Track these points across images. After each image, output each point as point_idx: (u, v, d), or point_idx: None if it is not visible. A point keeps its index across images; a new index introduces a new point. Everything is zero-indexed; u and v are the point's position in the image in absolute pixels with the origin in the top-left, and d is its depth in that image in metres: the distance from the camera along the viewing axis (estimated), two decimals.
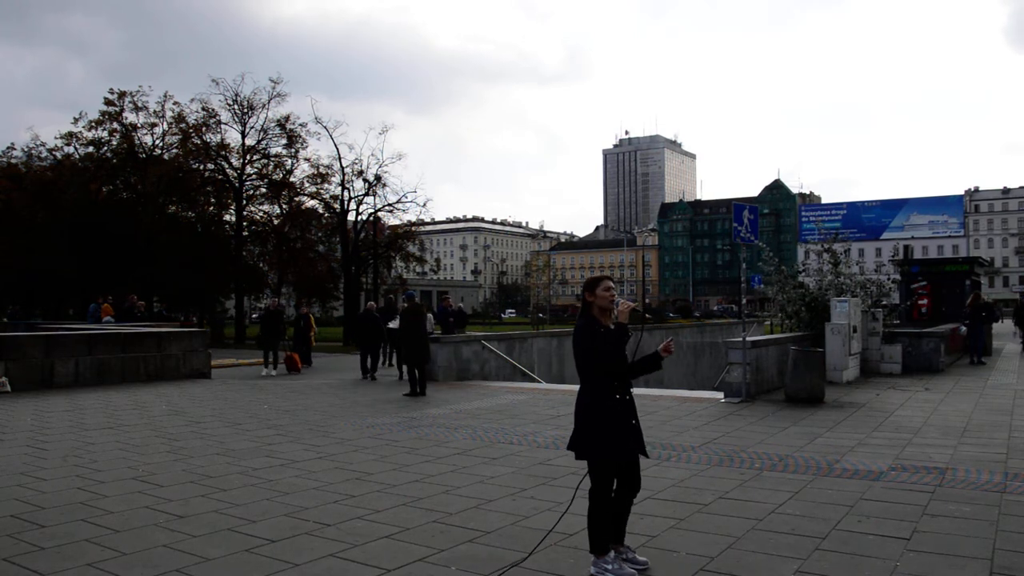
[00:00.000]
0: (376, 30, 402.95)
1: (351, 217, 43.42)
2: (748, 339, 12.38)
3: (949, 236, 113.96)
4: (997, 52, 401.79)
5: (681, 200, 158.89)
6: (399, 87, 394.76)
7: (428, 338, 14.36)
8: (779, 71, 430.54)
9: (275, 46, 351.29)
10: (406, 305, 14.41)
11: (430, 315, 21.77)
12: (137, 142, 40.78)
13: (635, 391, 4.67)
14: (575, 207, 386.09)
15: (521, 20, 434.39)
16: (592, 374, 4.43)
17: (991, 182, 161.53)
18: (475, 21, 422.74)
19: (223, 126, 40.37)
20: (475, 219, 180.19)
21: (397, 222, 44.80)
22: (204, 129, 39.80)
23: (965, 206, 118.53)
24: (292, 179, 42.16)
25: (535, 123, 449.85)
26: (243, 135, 40.53)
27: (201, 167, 40.74)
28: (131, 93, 39.84)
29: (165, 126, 40.85)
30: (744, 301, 23.73)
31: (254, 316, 48.14)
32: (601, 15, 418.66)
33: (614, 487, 4.47)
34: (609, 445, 4.35)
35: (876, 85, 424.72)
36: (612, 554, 4.44)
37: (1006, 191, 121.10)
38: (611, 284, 4.53)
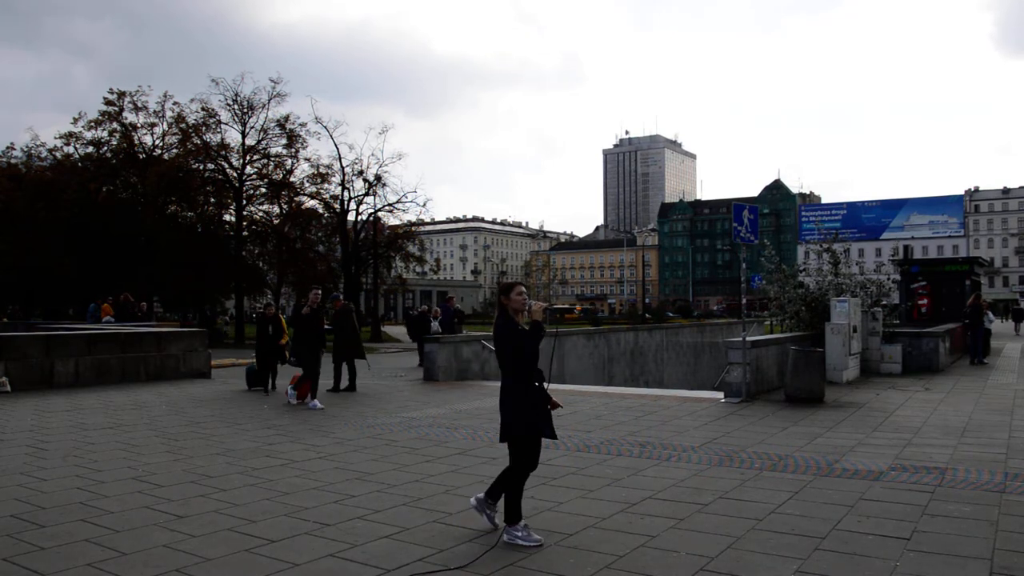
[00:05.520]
0: (374, 35, 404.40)
1: (351, 217, 43.47)
2: (748, 339, 12.38)
3: (949, 236, 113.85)
4: (987, 57, 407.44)
5: (681, 200, 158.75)
6: (397, 91, 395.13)
7: (359, 336, 14.71)
8: (779, 72, 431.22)
9: (273, 53, 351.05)
10: (333, 305, 14.66)
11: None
12: (137, 142, 40.75)
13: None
14: (575, 207, 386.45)
15: (520, 24, 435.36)
16: (514, 367, 5.05)
17: (987, 183, 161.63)
18: (474, 26, 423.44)
19: (223, 126, 40.36)
20: (475, 219, 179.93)
21: (397, 222, 44.87)
22: (204, 129, 39.75)
23: (965, 206, 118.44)
24: (292, 179, 42.17)
25: (534, 125, 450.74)
26: (243, 135, 40.52)
27: (201, 167, 40.68)
28: (131, 93, 39.83)
29: (165, 126, 40.85)
30: (744, 301, 23.67)
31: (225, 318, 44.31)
32: (600, 17, 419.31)
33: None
34: (533, 426, 5.03)
35: (874, 88, 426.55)
36: (523, 523, 5.05)
37: (1006, 191, 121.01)
38: (523, 289, 5.19)
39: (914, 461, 7.37)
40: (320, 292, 13.43)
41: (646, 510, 5.78)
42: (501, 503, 5.23)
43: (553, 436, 5.19)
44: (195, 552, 4.85)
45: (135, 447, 8.46)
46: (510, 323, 5.06)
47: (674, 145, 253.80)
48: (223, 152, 40.34)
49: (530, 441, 5.07)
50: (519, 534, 4.97)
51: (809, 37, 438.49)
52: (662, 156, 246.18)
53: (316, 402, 11.85)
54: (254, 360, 14.84)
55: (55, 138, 41.16)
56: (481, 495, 5.35)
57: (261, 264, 44.55)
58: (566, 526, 5.32)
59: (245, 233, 41.82)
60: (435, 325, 21.05)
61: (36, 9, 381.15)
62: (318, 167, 42.29)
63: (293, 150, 41.31)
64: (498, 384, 5.24)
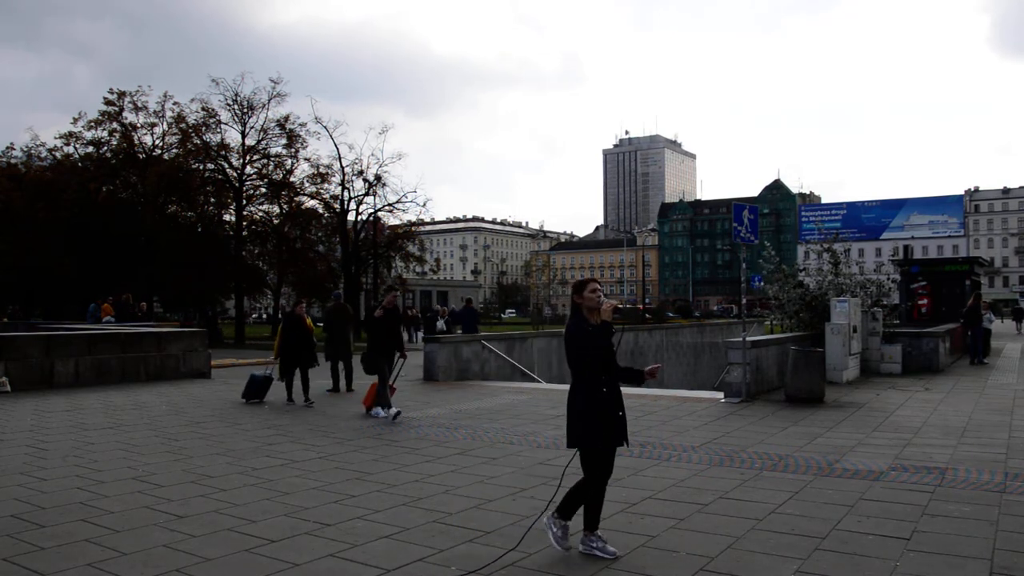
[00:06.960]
0: (374, 36, 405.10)
1: (351, 217, 43.42)
2: (748, 339, 12.38)
3: (949, 236, 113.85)
4: (985, 58, 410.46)
5: (681, 200, 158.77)
6: (397, 91, 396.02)
7: (349, 336, 14.56)
8: (779, 72, 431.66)
9: (273, 54, 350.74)
10: (331, 304, 14.56)
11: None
12: (137, 142, 40.70)
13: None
14: (575, 207, 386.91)
15: (519, 25, 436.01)
16: (583, 370, 4.74)
17: (987, 183, 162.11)
18: (474, 26, 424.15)
19: (223, 126, 40.28)
20: (475, 219, 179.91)
21: (397, 222, 44.81)
22: (204, 129, 39.70)
23: (965, 206, 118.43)
24: (292, 179, 42.10)
25: (534, 125, 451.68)
26: (243, 135, 40.46)
27: (201, 167, 40.65)
28: (131, 93, 39.73)
29: (165, 126, 40.74)
30: (744, 301, 23.71)
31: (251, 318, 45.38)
32: (600, 17, 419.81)
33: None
34: (596, 435, 4.70)
35: (874, 88, 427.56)
36: (568, 523, 4.83)
37: (1006, 191, 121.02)
38: (597, 286, 4.84)
39: (914, 461, 7.37)
40: (397, 294, 11.93)
41: (646, 510, 5.78)
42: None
43: (614, 444, 4.75)
44: (195, 552, 4.85)
45: (135, 447, 8.46)
46: (581, 323, 4.74)
47: (674, 145, 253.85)
48: (223, 152, 40.29)
49: (592, 452, 4.74)
50: (595, 544, 4.74)
51: (809, 37, 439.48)
52: (662, 156, 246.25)
53: (393, 409, 10.41)
54: (271, 365, 12.94)
55: (55, 138, 41.14)
56: (553, 514, 4.89)
57: (261, 264, 44.54)
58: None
59: (245, 233, 41.80)
60: (440, 324, 21.14)
61: (36, 9, 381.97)
62: (318, 167, 42.28)
63: (293, 150, 41.29)
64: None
